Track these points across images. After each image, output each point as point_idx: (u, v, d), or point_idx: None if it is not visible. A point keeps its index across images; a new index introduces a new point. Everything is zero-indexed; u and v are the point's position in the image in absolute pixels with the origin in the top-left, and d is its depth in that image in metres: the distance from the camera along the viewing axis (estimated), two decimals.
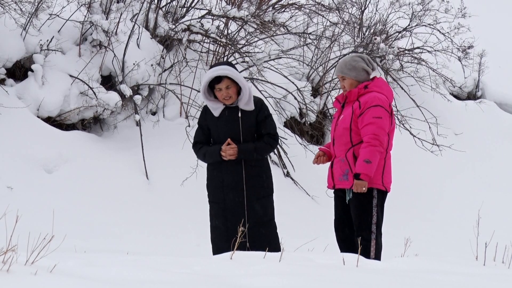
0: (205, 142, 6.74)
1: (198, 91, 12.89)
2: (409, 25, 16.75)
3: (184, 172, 11.16)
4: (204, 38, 13.55)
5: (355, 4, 16.63)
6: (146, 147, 11.83)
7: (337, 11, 15.85)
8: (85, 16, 12.45)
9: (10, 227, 4.34)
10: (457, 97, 18.10)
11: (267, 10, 14.99)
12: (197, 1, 13.89)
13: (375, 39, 16.04)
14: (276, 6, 15.55)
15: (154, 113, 13.06)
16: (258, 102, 6.71)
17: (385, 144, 6.38)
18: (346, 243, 6.47)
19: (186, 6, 13.82)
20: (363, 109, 6.38)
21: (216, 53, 13.77)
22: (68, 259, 4.49)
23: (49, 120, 11.86)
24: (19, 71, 12.18)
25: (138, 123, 12.30)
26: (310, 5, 15.64)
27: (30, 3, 11.92)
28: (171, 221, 10.58)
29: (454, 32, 16.52)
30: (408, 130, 14.55)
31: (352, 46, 15.96)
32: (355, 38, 16.42)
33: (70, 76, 12.12)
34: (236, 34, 13.87)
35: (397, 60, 16.51)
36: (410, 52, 16.78)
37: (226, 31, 13.81)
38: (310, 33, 15.15)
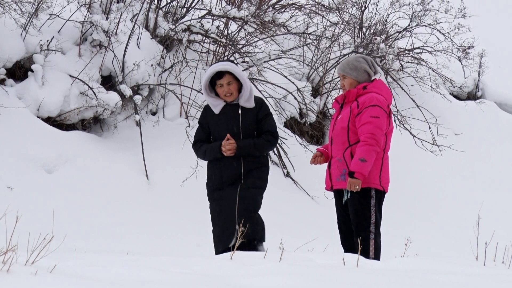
0: (205, 141, 6.74)
1: (198, 91, 12.89)
2: (409, 25, 16.75)
3: (184, 172, 11.16)
4: (204, 38, 13.55)
5: (355, 4, 16.63)
6: (146, 147, 11.84)
7: (337, 11, 15.85)
8: (85, 16, 12.46)
9: (10, 227, 4.34)
10: (457, 97, 18.10)
11: (267, 10, 14.99)
12: (197, 1, 13.89)
13: (375, 39, 16.04)
14: (276, 6, 15.55)
15: (154, 113, 13.06)
16: (259, 100, 6.72)
17: (381, 143, 6.37)
18: (350, 244, 6.47)
19: (186, 6, 13.82)
20: (361, 108, 6.39)
21: (216, 53, 13.77)
22: (68, 259, 4.49)
23: (49, 120, 11.86)
24: (19, 71, 12.19)
25: (138, 123, 12.30)
26: (310, 5, 15.64)
27: (30, 3, 11.92)
28: (171, 221, 10.58)
29: (454, 32, 16.52)
30: (408, 130, 14.55)
31: (352, 46, 15.96)
32: (355, 38, 16.43)
33: (70, 76, 12.12)
34: (236, 34, 13.87)
35: (397, 60, 16.51)
36: (410, 52, 16.78)
37: (226, 31, 13.82)
38: (310, 33, 15.15)
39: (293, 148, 13.27)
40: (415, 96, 15.92)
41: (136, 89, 12.72)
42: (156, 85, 12.90)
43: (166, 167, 11.75)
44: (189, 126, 12.24)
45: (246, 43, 13.76)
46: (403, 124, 14.67)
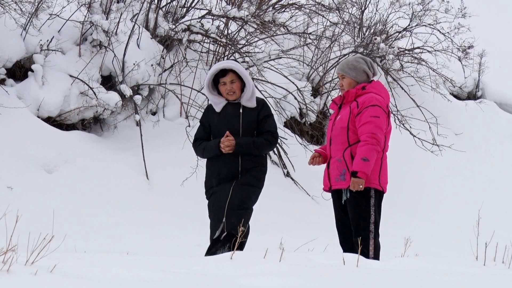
0: (205, 139, 6.75)
1: (198, 91, 12.90)
2: (409, 25, 16.75)
3: (184, 172, 11.16)
4: (204, 38, 13.55)
5: (355, 4, 16.63)
6: (146, 147, 11.84)
7: (337, 11, 15.85)
8: (85, 16, 12.46)
9: (10, 227, 4.34)
10: (457, 97, 18.10)
11: (267, 10, 14.99)
12: (197, 1, 13.89)
13: (375, 39, 16.04)
14: (276, 6, 15.55)
15: (154, 113, 13.06)
16: (261, 101, 6.75)
17: (382, 143, 6.39)
18: (349, 244, 6.47)
19: (186, 6, 13.82)
20: (361, 108, 6.40)
21: (216, 53, 13.77)
22: (68, 259, 4.49)
23: (49, 120, 11.86)
24: (19, 71, 12.19)
25: (138, 123, 12.30)
26: (310, 5, 15.64)
27: (30, 3, 11.92)
28: (171, 221, 10.59)
29: (454, 32, 16.52)
30: (408, 130, 14.55)
31: (352, 46, 15.96)
32: (355, 38, 16.43)
33: (70, 76, 12.13)
34: (236, 34, 13.87)
35: (397, 60, 16.51)
36: (410, 52, 16.78)
37: (226, 31, 13.82)
38: (310, 33, 15.15)
39: (293, 148, 13.27)
40: (415, 96, 15.92)
41: (136, 89, 12.72)
42: (156, 85, 12.90)
43: (166, 167, 11.75)
44: (189, 126, 12.24)
45: (246, 43, 13.76)
46: (403, 124, 14.67)
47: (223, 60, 12.49)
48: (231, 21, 13.81)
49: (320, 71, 15.41)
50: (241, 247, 6.33)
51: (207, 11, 13.74)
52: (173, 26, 13.25)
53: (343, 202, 6.46)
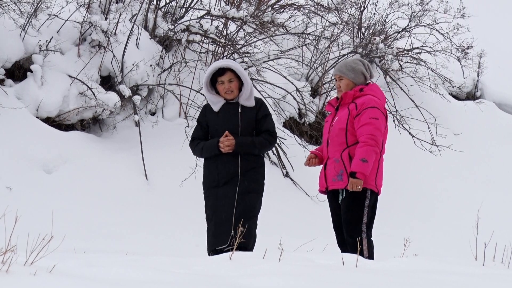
0: (203, 139, 6.73)
1: (197, 92, 12.90)
2: (408, 25, 16.75)
3: (183, 172, 11.16)
4: (203, 38, 13.55)
5: (354, 4, 16.63)
6: (145, 147, 11.84)
7: (336, 12, 15.85)
8: (84, 17, 12.45)
9: (9, 227, 4.34)
10: (456, 97, 18.10)
11: (266, 11, 14.99)
12: (196, 2, 13.89)
13: (374, 39, 16.05)
14: (275, 6, 15.55)
15: (153, 114, 13.06)
16: (259, 101, 6.74)
17: (380, 144, 6.41)
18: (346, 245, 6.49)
19: (185, 6, 13.82)
20: (360, 110, 6.43)
21: (215, 53, 13.77)
22: (68, 259, 4.49)
23: (48, 121, 11.86)
24: (18, 71, 12.18)
25: (137, 124, 12.30)
26: (309, 6, 15.65)
27: (29, 3, 11.92)
28: (170, 221, 10.59)
29: (453, 32, 16.53)
30: (407, 130, 14.55)
31: (351, 47, 15.97)
32: (354, 38, 16.43)
33: (69, 76, 12.13)
34: (235, 34, 13.87)
35: (396, 60, 16.51)
36: (409, 52, 16.79)
37: (225, 32, 13.82)
38: (309, 34, 15.16)
39: (292, 148, 13.27)
40: (414, 96, 15.92)
41: (135, 89, 12.72)
42: (155, 85, 12.90)
43: (165, 167, 11.75)
44: (188, 126, 12.24)
45: (245, 43, 13.76)
46: (402, 124, 14.68)
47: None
48: (230, 21, 13.82)
49: (319, 71, 15.41)
50: None
51: (206, 11, 13.74)
52: (172, 27, 13.25)
53: (340, 202, 6.47)
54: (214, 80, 6.66)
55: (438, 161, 14.70)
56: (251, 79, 13.21)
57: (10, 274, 3.55)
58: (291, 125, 14.32)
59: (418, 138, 14.42)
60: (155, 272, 4.04)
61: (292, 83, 14.21)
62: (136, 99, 12.44)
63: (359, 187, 6.30)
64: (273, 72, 14.05)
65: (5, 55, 11.76)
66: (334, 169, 6.46)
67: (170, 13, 13.72)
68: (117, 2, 13.13)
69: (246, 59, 13.46)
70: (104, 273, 3.92)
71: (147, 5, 13.25)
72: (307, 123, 14.58)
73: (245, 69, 13.24)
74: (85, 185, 10.84)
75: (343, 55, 15.53)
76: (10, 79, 11.99)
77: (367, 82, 6.66)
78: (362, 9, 16.77)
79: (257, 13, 14.41)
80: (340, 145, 6.48)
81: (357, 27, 16.63)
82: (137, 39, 12.82)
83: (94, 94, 12.07)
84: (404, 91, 16.21)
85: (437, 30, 16.68)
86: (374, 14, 16.76)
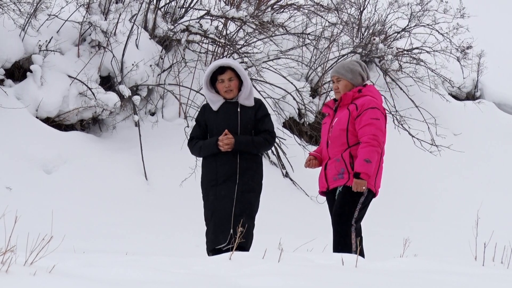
0: (201, 138, 6.72)
1: (197, 92, 12.89)
2: (407, 25, 16.75)
3: (183, 172, 11.16)
4: (203, 38, 13.55)
5: (353, 4, 16.63)
6: (145, 147, 11.84)
7: (335, 12, 15.85)
8: (84, 17, 12.45)
9: (9, 227, 4.34)
10: (456, 97, 18.11)
11: (266, 11, 14.99)
12: (196, 2, 13.89)
13: (374, 39, 16.04)
14: (275, 6, 15.55)
15: (153, 114, 13.06)
16: (258, 101, 6.74)
17: (382, 145, 6.43)
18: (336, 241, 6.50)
19: (185, 6, 13.82)
20: (361, 110, 6.45)
21: (215, 53, 13.77)
22: (67, 259, 4.49)
23: (48, 121, 11.86)
24: (18, 71, 12.18)
25: (137, 124, 12.30)
26: (309, 6, 15.65)
27: (29, 3, 11.92)
28: (170, 221, 10.58)
29: (453, 33, 16.53)
30: (407, 131, 14.55)
31: (350, 47, 15.97)
32: (354, 38, 16.43)
33: (69, 76, 12.12)
34: (235, 34, 13.87)
35: (396, 61, 16.51)
36: (409, 52, 16.79)
37: (225, 32, 13.82)
38: (309, 34, 15.16)
39: (292, 149, 13.27)
40: (414, 96, 15.93)
41: (135, 90, 12.72)
42: (155, 85, 12.90)
43: (165, 168, 11.75)
44: (188, 126, 12.24)
45: (244, 44, 13.76)
46: (401, 124, 14.68)
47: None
48: (229, 21, 13.82)
49: (318, 71, 15.41)
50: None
51: (206, 11, 13.74)
52: (172, 27, 13.25)
53: (336, 197, 6.48)
54: (214, 80, 6.66)
55: (438, 161, 14.70)
56: (251, 79, 13.22)
57: (10, 274, 3.55)
58: (291, 125, 14.32)
59: (418, 138, 14.42)
60: (155, 272, 4.04)
61: (291, 83, 14.21)
62: (136, 99, 12.44)
63: (364, 187, 6.32)
64: (272, 72, 14.05)
65: (5, 55, 11.76)
66: (335, 168, 6.48)
67: (170, 13, 13.72)
68: (116, 2, 13.13)
69: (246, 59, 13.46)
70: (104, 273, 3.92)
71: (146, 5, 13.25)
72: (307, 123, 14.58)
73: (245, 69, 13.24)
74: (85, 185, 10.84)
75: (343, 55, 15.53)
76: (10, 79, 11.99)
77: (364, 83, 6.69)
78: (361, 9, 16.77)
79: (257, 13, 14.41)
80: (341, 146, 6.49)
81: (356, 27, 16.63)
82: (136, 39, 12.82)
83: (93, 94, 12.07)
84: (403, 91, 16.20)
85: (437, 30, 16.68)
86: (374, 14, 16.76)
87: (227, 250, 6.24)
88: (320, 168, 6.69)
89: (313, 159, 6.70)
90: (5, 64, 11.84)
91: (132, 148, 11.91)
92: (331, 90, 15.12)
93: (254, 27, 14.18)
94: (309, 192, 12.60)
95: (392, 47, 16.37)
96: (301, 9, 15.66)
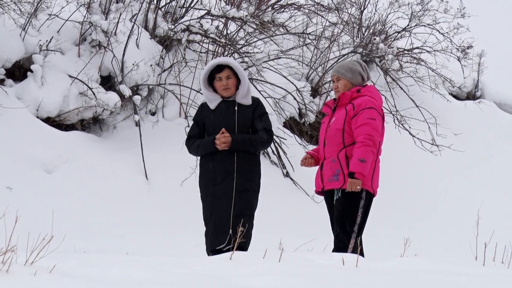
0: (199, 137, 6.71)
1: (197, 91, 12.89)
2: (408, 25, 16.76)
3: (184, 172, 11.16)
4: (203, 38, 13.55)
5: (354, 4, 16.64)
6: (145, 147, 11.84)
7: (336, 11, 15.85)
8: (85, 17, 12.46)
9: (9, 227, 4.33)
10: (456, 97, 18.11)
11: (266, 10, 14.99)
12: (196, 1, 13.90)
13: (374, 39, 16.04)
14: (275, 6, 15.55)
15: (153, 114, 13.07)
16: (256, 99, 6.73)
17: (378, 145, 6.42)
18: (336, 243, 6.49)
19: (185, 6, 13.82)
20: (357, 110, 6.44)
21: (215, 53, 13.77)
22: (68, 259, 4.49)
23: (48, 121, 11.86)
24: (19, 71, 12.19)
25: (137, 124, 12.30)
26: (309, 5, 15.65)
27: (29, 3, 11.92)
28: (170, 221, 10.58)
29: (453, 32, 16.53)
30: (408, 130, 14.55)
31: (351, 46, 15.97)
32: (354, 38, 16.43)
33: (70, 76, 12.13)
34: (236, 34, 13.87)
35: (397, 60, 16.52)
36: (410, 52, 16.79)
37: (225, 31, 13.82)
38: (309, 33, 15.16)
39: (293, 148, 13.27)
40: (414, 96, 15.93)
41: (135, 89, 12.72)
42: (155, 85, 12.90)
43: (166, 167, 11.74)
44: (188, 126, 12.24)
45: (245, 43, 13.76)
46: (402, 124, 14.68)
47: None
48: (230, 21, 13.82)
49: (319, 71, 15.41)
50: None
51: (206, 11, 13.74)
52: (172, 26, 13.25)
53: (334, 202, 6.47)
54: (212, 78, 6.65)
55: (438, 161, 14.70)
56: (252, 79, 13.22)
57: (10, 274, 3.55)
58: (291, 125, 14.32)
59: (418, 138, 14.42)
60: (155, 272, 4.04)
61: (292, 83, 14.21)
62: (136, 99, 12.44)
63: (358, 187, 6.30)
64: (273, 72, 14.05)
65: (5, 55, 11.76)
66: (331, 169, 6.46)
67: (170, 13, 13.73)
68: (117, 2, 13.13)
69: (246, 59, 13.46)
70: (104, 273, 3.92)
71: (147, 5, 13.25)
72: (307, 123, 14.59)
73: (245, 69, 13.24)
74: (85, 185, 10.84)
75: (343, 55, 15.53)
76: (10, 79, 11.99)
77: (364, 83, 6.69)
78: (362, 9, 16.77)
79: (257, 13, 14.41)
80: (337, 146, 6.48)
81: (357, 27, 16.63)
82: (137, 39, 12.82)
83: (94, 94, 12.08)
84: (404, 91, 16.21)
85: (437, 30, 16.68)
86: (374, 14, 16.77)
87: (227, 250, 6.23)
88: (317, 167, 6.69)
89: (309, 158, 6.70)
90: (6, 64, 11.84)
91: (133, 148, 11.91)
92: (332, 89, 15.12)
93: (254, 27, 14.18)
94: (310, 192, 12.60)
95: (393, 47, 16.37)
96: (302, 9, 15.67)
